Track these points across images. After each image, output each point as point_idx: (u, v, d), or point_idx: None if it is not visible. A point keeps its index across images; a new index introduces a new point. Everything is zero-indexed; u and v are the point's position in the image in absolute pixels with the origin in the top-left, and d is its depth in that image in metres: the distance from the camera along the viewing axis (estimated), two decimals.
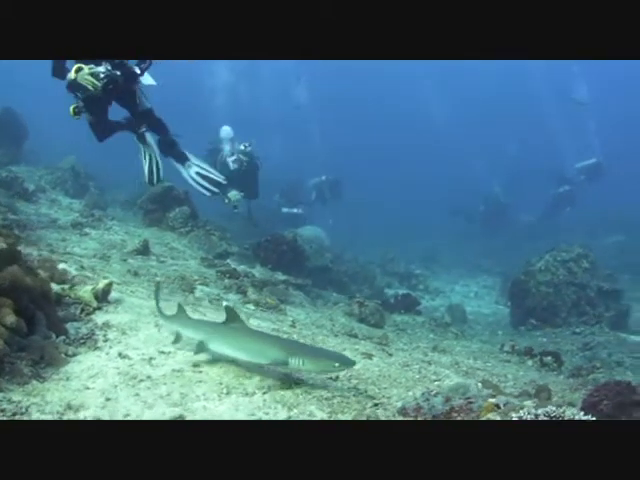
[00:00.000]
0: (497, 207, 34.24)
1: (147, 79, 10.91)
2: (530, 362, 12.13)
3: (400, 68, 43.19)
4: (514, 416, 5.62)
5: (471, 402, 6.74)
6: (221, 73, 30.08)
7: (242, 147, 18.34)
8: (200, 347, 7.23)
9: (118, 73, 10.29)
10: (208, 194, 12.11)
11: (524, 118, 50.36)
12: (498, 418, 6.18)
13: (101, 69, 10.25)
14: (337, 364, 7.02)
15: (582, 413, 5.51)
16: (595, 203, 32.83)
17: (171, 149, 11.43)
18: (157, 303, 8.45)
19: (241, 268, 14.84)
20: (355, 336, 11.45)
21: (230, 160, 18.16)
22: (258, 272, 15.07)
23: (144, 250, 13.55)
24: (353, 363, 7.38)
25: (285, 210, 28.79)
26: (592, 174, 31.84)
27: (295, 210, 28.82)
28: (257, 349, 7.03)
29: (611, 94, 44.95)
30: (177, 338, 7.71)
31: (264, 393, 6.71)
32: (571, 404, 7.67)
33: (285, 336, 9.59)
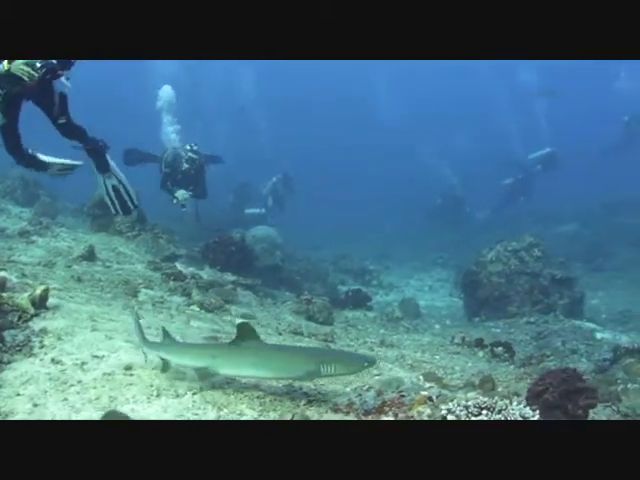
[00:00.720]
0: (453, 200, 34.44)
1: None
2: (481, 353, 12.20)
3: (354, 68, 43.29)
4: (443, 408, 5.65)
5: (403, 395, 6.79)
6: (164, 66, 29.29)
7: (188, 147, 18.19)
8: (204, 374, 6.98)
9: (54, 62, 9.89)
10: (113, 212, 11.77)
11: (478, 115, 50.65)
12: (429, 411, 6.21)
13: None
14: (366, 363, 7.05)
15: (515, 403, 5.55)
16: (549, 193, 33.06)
17: (96, 155, 10.99)
18: (139, 331, 7.61)
19: (189, 270, 14.79)
20: (300, 334, 11.46)
21: (184, 160, 17.99)
22: (206, 274, 15.02)
23: (89, 256, 13.46)
24: (376, 360, 7.62)
25: (249, 211, 28.82)
26: (547, 163, 32.07)
27: (258, 210, 28.85)
28: (284, 365, 6.87)
29: (566, 86, 45.23)
30: (165, 366, 7.18)
31: (194, 394, 6.70)
32: (516, 394, 7.74)
33: (224, 336, 9.58)
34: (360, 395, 6.90)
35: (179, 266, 14.95)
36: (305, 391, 7.30)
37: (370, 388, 7.14)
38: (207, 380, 6.86)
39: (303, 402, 6.92)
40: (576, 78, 48.05)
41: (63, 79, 10.02)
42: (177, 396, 6.65)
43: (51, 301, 8.99)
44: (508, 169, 33.26)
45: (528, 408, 5.54)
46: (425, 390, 7.37)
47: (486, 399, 5.55)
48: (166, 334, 7.42)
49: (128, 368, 7.22)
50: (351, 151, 53.52)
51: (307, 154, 46.92)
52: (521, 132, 40.71)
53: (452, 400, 5.96)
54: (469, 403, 5.52)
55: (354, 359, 7.40)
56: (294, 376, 6.82)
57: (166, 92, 19.03)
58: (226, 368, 6.84)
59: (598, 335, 15.52)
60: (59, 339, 7.90)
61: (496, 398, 5.59)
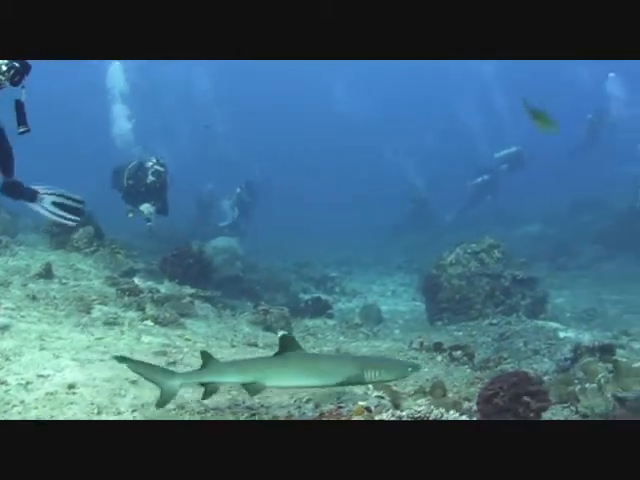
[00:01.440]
0: (420, 203, 34.64)
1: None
2: (439, 357, 12.15)
3: (314, 69, 43.27)
4: (376, 419, 5.69)
5: (341, 407, 6.83)
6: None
7: (155, 159, 17.98)
8: (254, 389, 6.90)
9: (17, 64, 9.47)
10: (71, 224, 11.31)
11: (443, 115, 50.82)
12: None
13: (1, 61, 9.46)
14: (410, 368, 7.15)
15: (452, 412, 5.60)
16: (515, 193, 33.29)
17: (17, 190, 10.30)
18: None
19: (147, 284, 14.73)
20: (255, 345, 11.48)
21: (150, 172, 17.80)
22: (165, 287, 14.95)
23: (46, 274, 13.42)
24: (420, 366, 7.80)
25: (222, 224, 28.90)
26: (514, 162, 32.25)
27: (229, 222, 28.96)
28: (328, 372, 6.87)
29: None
30: (208, 392, 6.91)
31: (134, 411, 6.74)
32: (467, 399, 7.82)
33: (174, 350, 9.62)
34: (299, 407, 6.97)
35: (137, 281, 14.88)
36: (248, 405, 7.36)
37: (309, 400, 7.20)
38: (256, 394, 6.86)
39: (245, 415, 6.99)
40: (543, 76, 48.30)
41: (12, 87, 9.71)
42: (118, 414, 6.69)
43: (1, 321, 9.05)
44: (475, 170, 33.42)
45: (465, 417, 5.60)
46: (370, 399, 7.43)
47: (422, 408, 5.59)
48: (207, 357, 7.22)
49: (71, 387, 7.24)
50: (316, 153, 53.52)
51: (271, 157, 46.91)
52: (488, 131, 40.98)
53: (387, 410, 6.01)
54: (403, 413, 5.57)
55: (398, 365, 7.65)
56: (339, 383, 6.83)
57: (117, 76, 18.65)
58: (273, 380, 6.83)
59: (561, 334, 15.62)
60: (7, 359, 7.93)
61: (432, 407, 5.62)
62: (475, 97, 46.69)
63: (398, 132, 48.03)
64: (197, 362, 8.98)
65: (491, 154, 33.72)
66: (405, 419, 5.48)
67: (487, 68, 43.62)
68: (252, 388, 6.74)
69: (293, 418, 6.76)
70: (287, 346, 6.85)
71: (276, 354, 6.88)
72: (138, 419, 6.34)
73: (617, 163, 34.51)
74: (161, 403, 6.69)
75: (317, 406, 7.03)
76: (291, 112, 60.50)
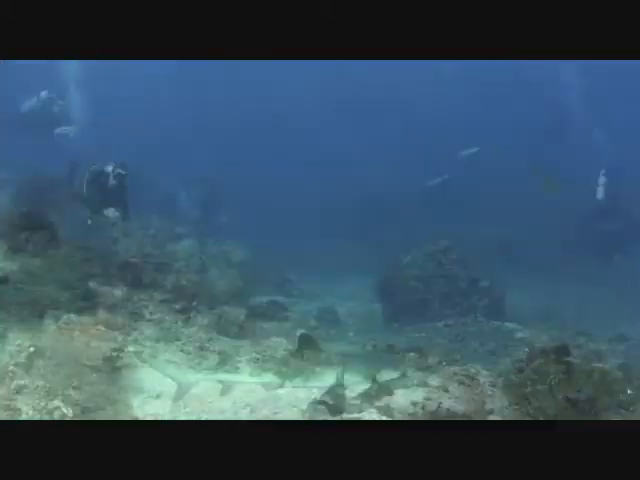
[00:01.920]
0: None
1: None
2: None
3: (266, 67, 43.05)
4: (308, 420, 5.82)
5: (277, 412, 6.94)
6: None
7: (114, 164, 17.87)
8: (270, 387, 6.94)
9: None
10: None
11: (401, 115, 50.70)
12: None
13: None
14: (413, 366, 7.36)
15: (384, 417, 5.72)
16: (474, 193, 33.31)
17: None
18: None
19: (104, 289, 14.72)
20: (206, 349, 11.52)
21: (112, 176, 17.70)
22: (121, 291, 14.95)
23: (1, 279, 13.39)
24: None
25: (184, 225, 28.83)
26: (474, 163, 32.34)
27: (192, 222, 28.91)
28: (342, 371, 6.93)
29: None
30: (225, 389, 7.31)
31: (74, 416, 6.83)
32: (413, 403, 7.91)
33: (122, 355, 9.68)
34: (236, 412, 7.07)
35: (94, 285, 14.88)
36: (188, 410, 7.47)
37: (247, 405, 7.30)
38: (272, 392, 6.95)
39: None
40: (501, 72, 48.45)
41: None
42: (63, 416, 6.78)
43: None
44: (434, 171, 33.50)
45: (398, 417, 5.71)
46: (310, 404, 7.55)
47: (360, 414, 5.71)
48: (225, 355, 7.29)
49: (18, 392, 7.31)
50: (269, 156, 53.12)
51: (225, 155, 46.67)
52: (447, 132, 41.01)
53: (322, 415, 6.13)
54: (336, 418, 5.69)
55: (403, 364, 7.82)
56: (355, 381, 6.93)
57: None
58: (292, 379, 6.91)
59: (518, 335, 15.77)
60: None
61: (365, 412, 5.74)
62: (433, 96, 46.64)
63: (358, 131, 47.88)
64: (145, 368, 9.13)
65: (452, 154, 33.78)
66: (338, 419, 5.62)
67: (446, 66, 43.51)
68: (268, 386, 6.87)
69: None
70: (306, 345, 6.98)
71: (295, 352, 7.00)
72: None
73: (576, 161, 34.63)
74: (176, 398, 6.86)
75: (253, 411, 7.13)
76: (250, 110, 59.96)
